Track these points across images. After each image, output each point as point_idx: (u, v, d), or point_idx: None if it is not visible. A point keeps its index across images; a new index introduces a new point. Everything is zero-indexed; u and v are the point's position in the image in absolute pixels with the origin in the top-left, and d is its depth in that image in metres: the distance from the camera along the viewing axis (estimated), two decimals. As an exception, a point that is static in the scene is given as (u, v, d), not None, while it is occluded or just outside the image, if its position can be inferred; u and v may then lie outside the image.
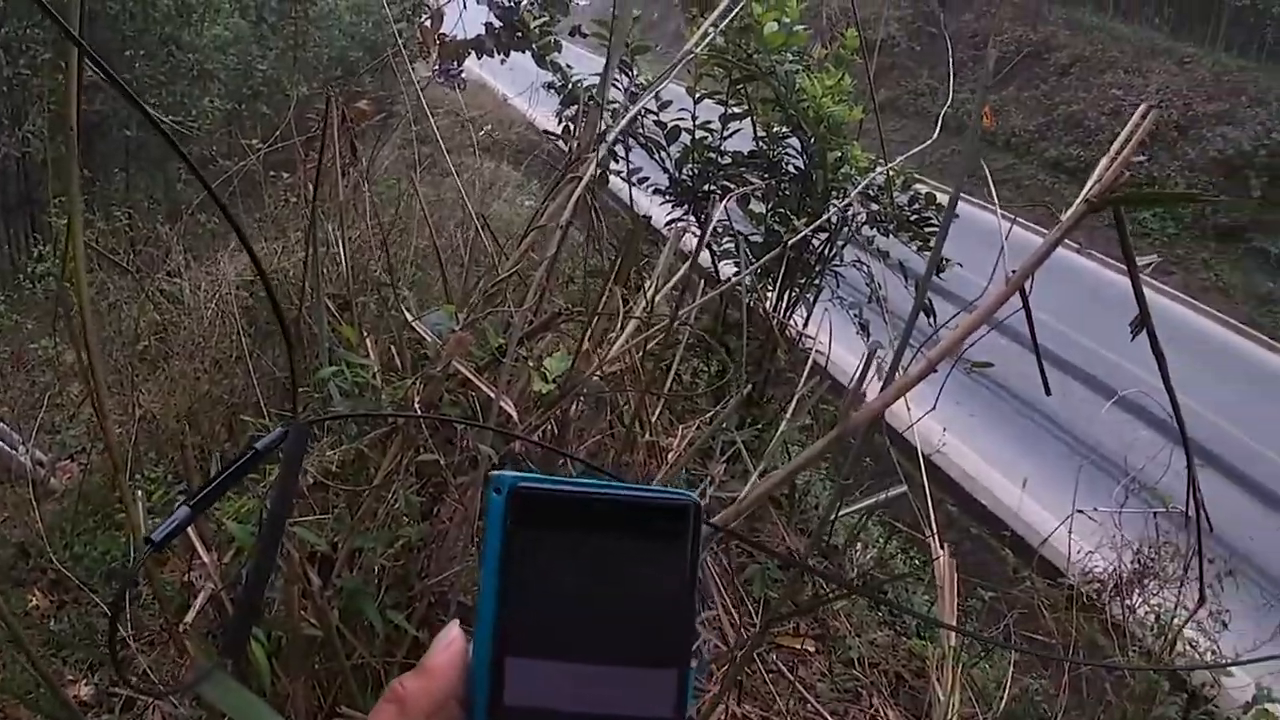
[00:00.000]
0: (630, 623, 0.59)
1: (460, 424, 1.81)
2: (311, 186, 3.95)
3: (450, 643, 0.60)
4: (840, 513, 2.61)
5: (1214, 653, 4.99)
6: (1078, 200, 1.94)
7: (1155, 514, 5.77)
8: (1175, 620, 5.29)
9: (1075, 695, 4.34)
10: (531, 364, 1.97)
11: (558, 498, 0.58)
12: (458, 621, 0.61)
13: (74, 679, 3.48)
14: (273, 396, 4.41)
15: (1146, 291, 1.95)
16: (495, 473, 0.59)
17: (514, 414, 1.80)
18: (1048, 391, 2.28)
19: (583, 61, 5.70)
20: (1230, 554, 6.35)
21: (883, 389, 1.85)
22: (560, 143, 4.71)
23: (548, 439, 2.05)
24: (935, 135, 3.42)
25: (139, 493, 2.96)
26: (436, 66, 7.38)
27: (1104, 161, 1.95)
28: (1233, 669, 5.38)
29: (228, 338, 5.33)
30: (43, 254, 8.69)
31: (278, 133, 5.39)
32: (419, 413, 1.80)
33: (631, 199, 3.70)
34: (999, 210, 2.31)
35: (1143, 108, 2.08)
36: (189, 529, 2.27)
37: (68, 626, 3.85)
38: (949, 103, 4.19)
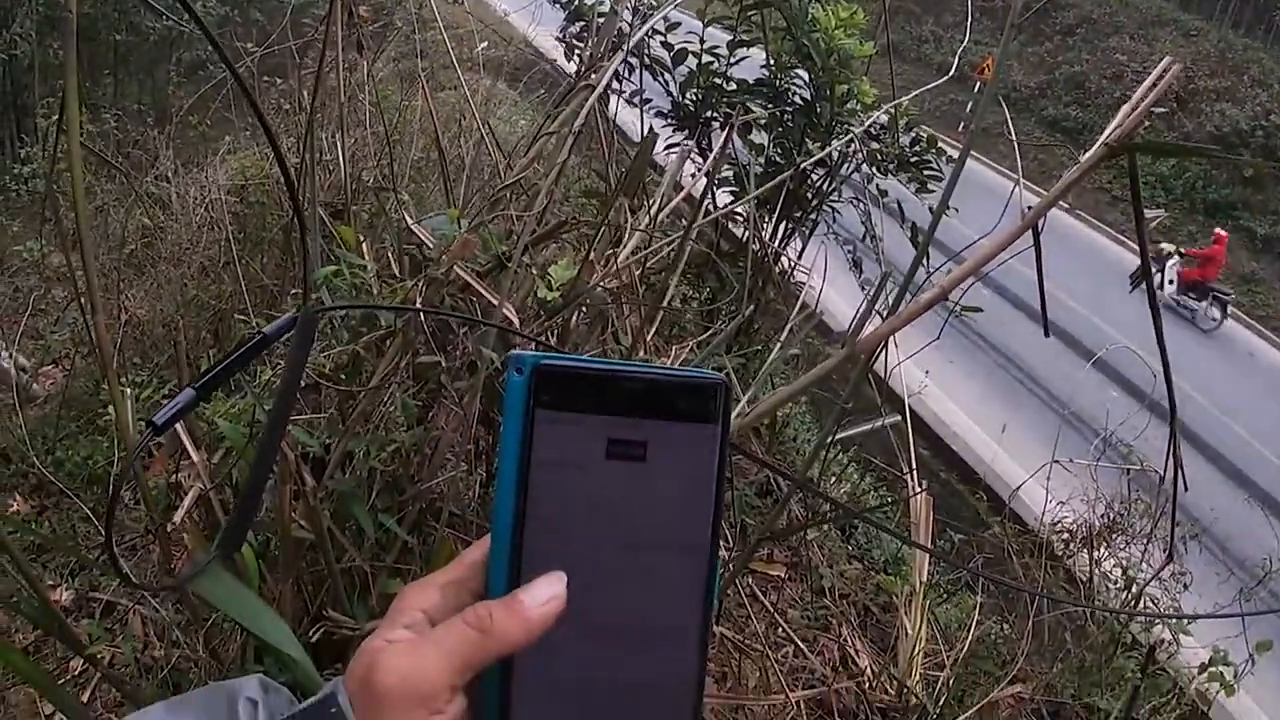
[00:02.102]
0: (657, 509, 0.56)
1: (467, 321, 1.79)
2: (308, 91, 3.88)
3: (551, 599, 0.55)
4: (834, 437, 2.61)
5: (1175, 611, 5.11)
6: (1098, 143, 1.92)
7: (1128, 470, 5.87)
8: (1141, 576, 5.40)
9: (1036, 641, 4.42)
10: (535, 272, 1.95)
11: (583, 376, 0.55)
12: (564, 577, 0.56)
13: (54, 584, 3.48)
14: (260, 303, 4.38)
15: (1126, 254, 1.93)
16: (514, 352, 0.55)
17: (515, 320, 1.78)
18: (1046, 333, 2.28)
19: (588, -19, 5.60)
20: (1192, 522, 6.48)
21: (889, 316, 1.84)
22: (564, 60, 4.64)
23: (546, 349, 2.03)
24: (949, 74, 3.35)
25: (127, 390, 2.93)
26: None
27: (1125, 108, 1.92)
28: (1190, 631, 5.51)
29: (215, 244, 5.28)
30: (29, 155, 8.55)
31: (273, 37, 5.27)
32: (424, 309, 1.78)
33: (642, 118, 3.65)
34: (1018, 148, 2.28)
35: (1167, 60, 2.05)
36: (179, 428, 2.25)
37: (49, 531, 3.84)
38: (962, 47, 4.11)
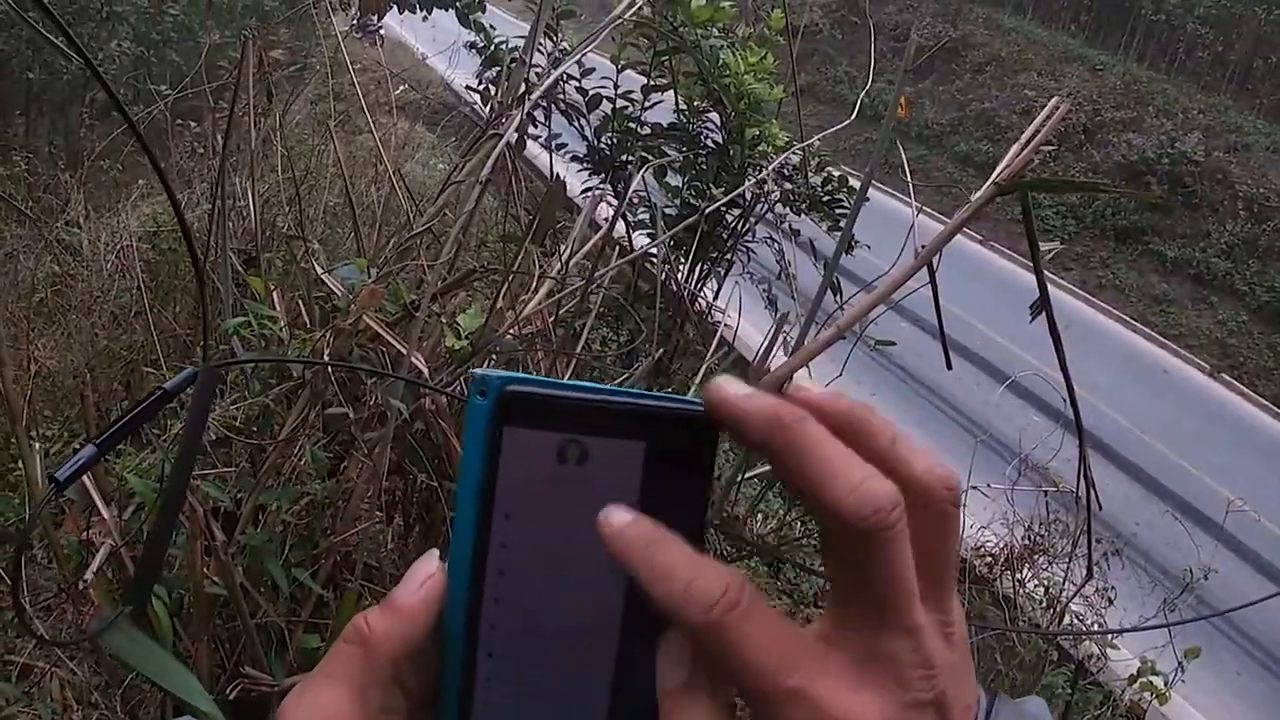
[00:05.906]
0: None
1: (372, 374, 1.79)
2: (221, 136, 3.85)
3: (427, 579, 0.51)
4: (744, 476, 2.65)
5: (1100, 626, 5.22)
6: (988, 183, 1.98)
7: (1045, 492, 6.02)
8: (1063, 594, 5.53)
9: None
10: (444, 320, 1.96)
11: (557, 405, 0.47)
12: (436, 553, 0.52)
13: (-38, 647, 3.35)
14: (172, 354, 4.30)
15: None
16: (479, 371, 0.48)
17: (425, 370, 1.79)
18: (949, 366, 2.35)
19: (505, 25, 5.65)
20: (1115, 537, 6.66)
21: (791, 355, 1.89)
22: (480, 104, 4.67)
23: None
24: (852, 117, 3.47)
25: (36, 445, 2.86)
26: (355, 19, 7.23)
27: (1015, 148, 1.99)
28: (1118, 643, 5.65)
29: (127, 292, 5.18)
30: (-62, 200, 8.27)
31: (187, 80, 5.23)
32: (329, 362, 1.78)
33: (551, 164, 3.69)
34: (912, 188, 2.36)
35: (1055, 100, 2.14)
36: (89, 484, 2.21)
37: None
38: (867, 87, 4.23)
